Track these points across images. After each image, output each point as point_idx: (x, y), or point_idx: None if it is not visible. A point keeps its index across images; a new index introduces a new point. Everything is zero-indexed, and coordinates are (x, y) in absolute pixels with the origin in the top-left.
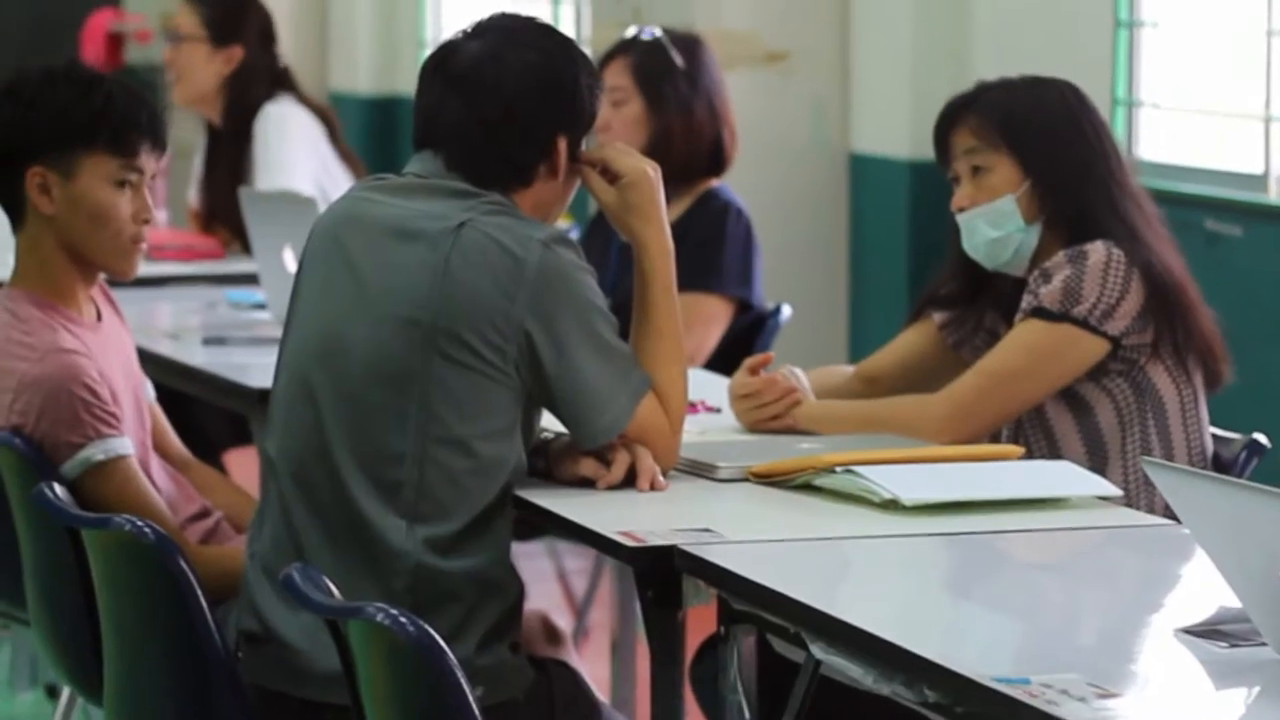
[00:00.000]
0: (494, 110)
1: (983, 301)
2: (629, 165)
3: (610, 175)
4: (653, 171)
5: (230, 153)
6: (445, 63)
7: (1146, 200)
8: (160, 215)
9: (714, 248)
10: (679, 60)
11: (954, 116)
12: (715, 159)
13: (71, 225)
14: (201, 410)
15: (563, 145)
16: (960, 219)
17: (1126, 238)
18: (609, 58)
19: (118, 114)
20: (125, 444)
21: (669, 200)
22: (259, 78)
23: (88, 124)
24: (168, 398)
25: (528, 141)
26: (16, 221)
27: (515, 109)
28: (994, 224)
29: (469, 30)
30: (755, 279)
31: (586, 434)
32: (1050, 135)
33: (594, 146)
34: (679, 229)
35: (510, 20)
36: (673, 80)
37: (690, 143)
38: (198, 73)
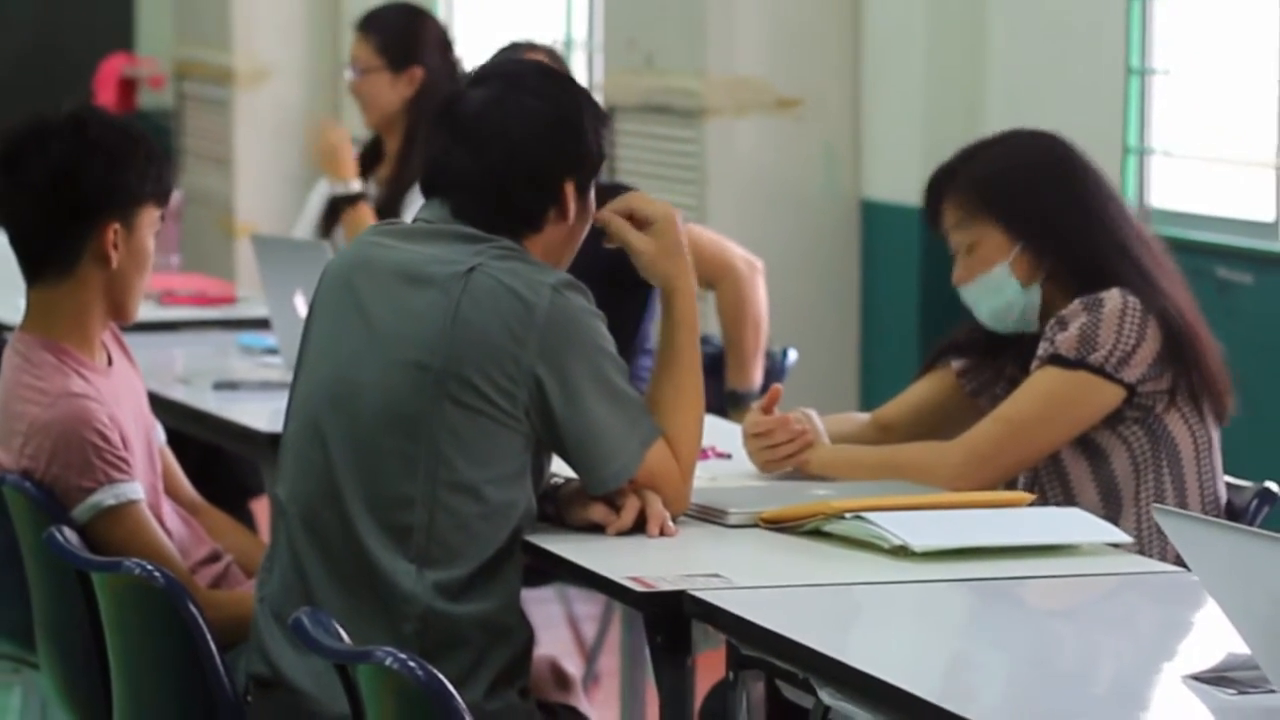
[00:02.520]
0: (500, 158)
1: (1002, 349)
2: (657, 210)
3: (638, 222)
4: (677, 215)
5: (403, 168)
6: (450, 111)
7: (1151, 238)
8: (173, 259)
9: None
10: None
11: (938, 190)
12: None
13: (126, 275)
14: (231, 456)
15: (570, 189)
16: (961, 293)
17: (1136, 281)
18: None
19: (162, 167)
20: (136, 489)
21: None
22: (442, 92)
23: (151, 181)
24: (197, 444)
25: (536, 188)
26: (58, 270)
27: (521, 156)
28: (992, 293)
29: (473, 78)
30: None
31: (596, 480)
32: (1032, 194)
33: (617, 199)
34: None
35: (514, 66)
36: None
37: None
38: (383, 99)
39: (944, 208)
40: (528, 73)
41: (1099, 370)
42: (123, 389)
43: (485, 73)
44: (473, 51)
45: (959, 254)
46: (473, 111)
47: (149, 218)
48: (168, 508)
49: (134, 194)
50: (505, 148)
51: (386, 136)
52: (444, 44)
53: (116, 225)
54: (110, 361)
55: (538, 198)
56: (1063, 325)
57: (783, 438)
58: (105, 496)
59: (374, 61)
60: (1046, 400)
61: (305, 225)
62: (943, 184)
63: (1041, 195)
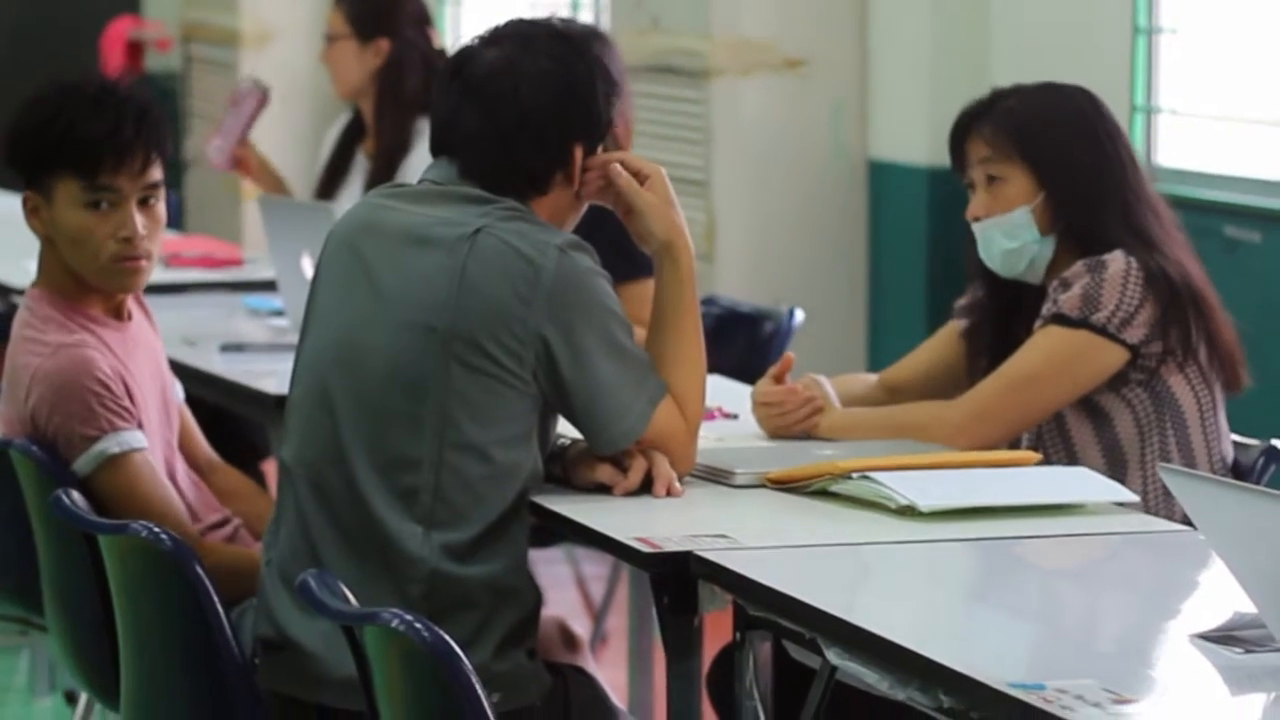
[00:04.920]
0: (510, 120)
1: (1004, 308)
2: (648, 164)
3: (635, 177)
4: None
5: (382, 141)
6: (461, 70)
7: (1164, 207)
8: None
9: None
10: None
11: (968, 124)
12: None
13: (60, 246)
14: (240, 418)
15: (579, 153)
16: (976, 228)
17: (1141, 248)
18: None
19: (77, 136)
20: (139, 437)
21: None
22: (411, 67)
23: (52, 149)
24: (205, 406)
25: (544, 150)
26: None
27: (531, 118)
28: (1009, 235)
29: (486, 36)
30: None
31: (604, 440)
32: (1065, 146)
33: (612, 154)
34: (597, 216)
35: (527, 27)
36: None
37: None
38: (349, 69)
39: (971, 142)
40: (541, 35)
41: (1101, 330)
42: (138, 344)
43: (499, 33)
44: (481, 13)
45: (978, 188)
46: (484, 72)
47: (66, 190)
48: (181, 469)
49: (36, 164)
50: (515, 109)
51: (362, 108)
52: (420, 20)
53: (31, 193)
54: (130, 317)
55: (546, 160)
56: (1065, 286)
57: (791, 407)
58: (109, 444)
59: (342, 30)
60: (1048, 358)
61: (326, 151)
62: (975, 119)
63: (1074, 149)
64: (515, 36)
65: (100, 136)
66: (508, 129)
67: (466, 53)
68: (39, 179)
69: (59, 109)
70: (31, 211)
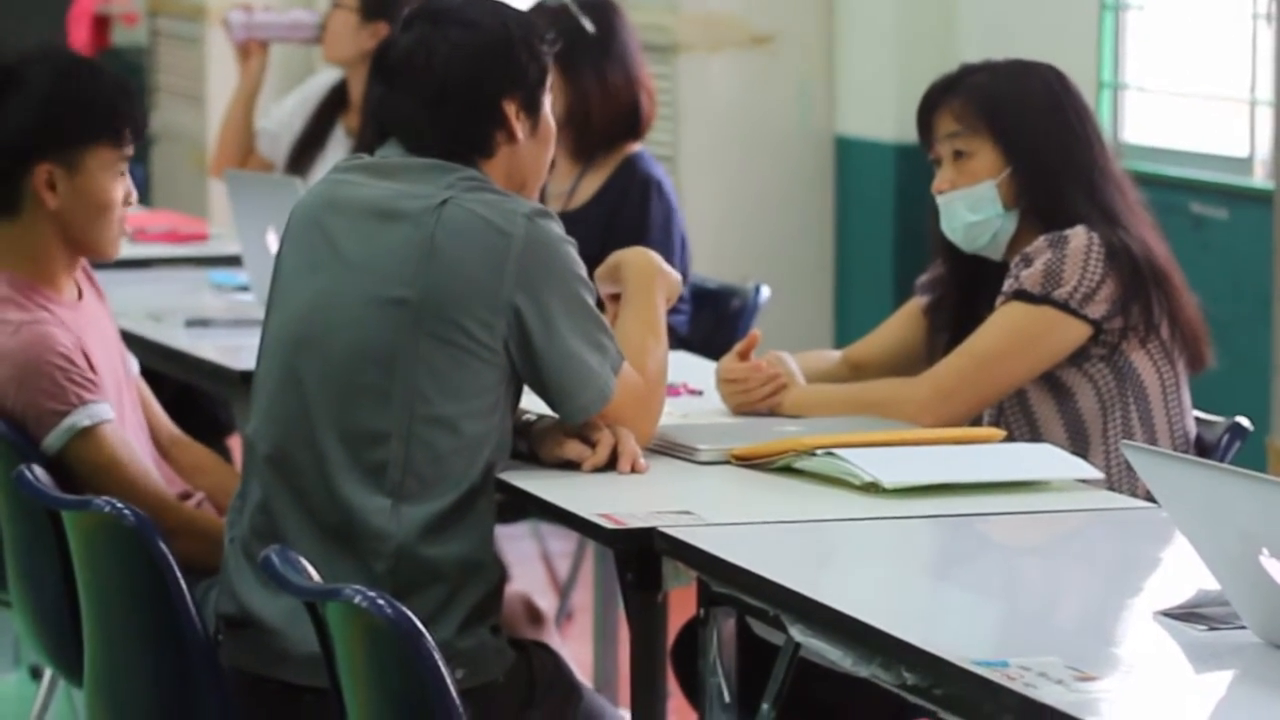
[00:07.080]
0: (431, 93)
1: (968, 285)
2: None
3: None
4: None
5: (365, 125)
6: (380, 62)
7: (1130, 186)
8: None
9: (638, 236)
10: (589, 26)
11: (937, 99)
12: (633, 124)
13: (75, 216)
14: (205, 394)
15: (512, 109)
16: (940, 201)
17: (1104, 224)
18: None
19: (114, 106)
20: (107, 409)
21: (589, 169)
22: None
23: (95, 119)
24: (171, 382)
25: (474, 114)
26: (4, 209)
27: (450, 85)
28: (973, 208)
29: (401, 24)
30: (677, 253)
31: (573, 408)
32: (1033, 122)
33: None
34: (603, 202)
35: (436, 5)
36: (584, 46)
37: (608, 109)
38: (344, 40)
39: (939, 116)
40: (451, 7)
41: (1063, 306)
42: (91, 323)
43: (410, 18)
44: None
45: (945, 162)
46: (401, 56)
47: (99, 159)
48: (145, 442)
49: (69, 135)
50: (434, 81)
51: (350, 81)
52: None
53: (50, 167)
54: (81, 295)
55: (478, 123)
56: (1027, 262)
57: (755, 383)
58: (79, 418)
59: (351, 0)
60: (1011, 335)
61: (299, 107)
62: (943, 93)
63: (1042, 125)
64: (424, 16)
65: (130, 106)
66: (432, 102)
67: (384, 45)
68: (64, 150)
69: (93, 80)
70: (45, 185)
